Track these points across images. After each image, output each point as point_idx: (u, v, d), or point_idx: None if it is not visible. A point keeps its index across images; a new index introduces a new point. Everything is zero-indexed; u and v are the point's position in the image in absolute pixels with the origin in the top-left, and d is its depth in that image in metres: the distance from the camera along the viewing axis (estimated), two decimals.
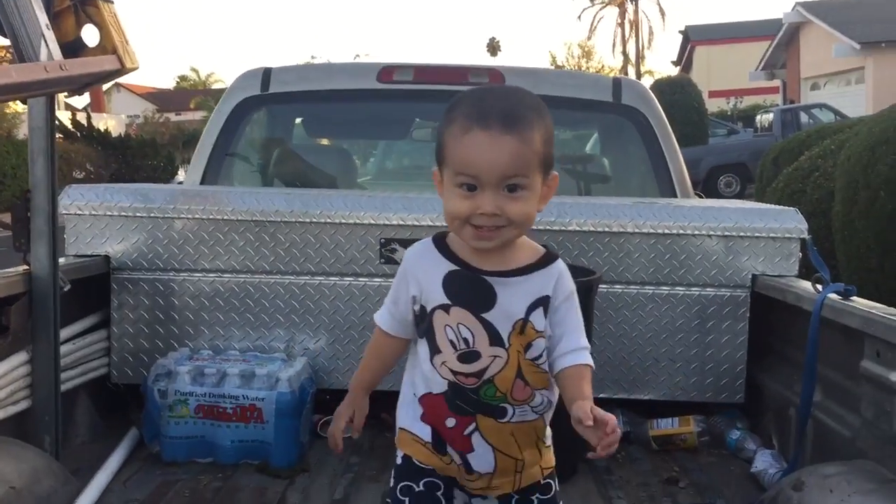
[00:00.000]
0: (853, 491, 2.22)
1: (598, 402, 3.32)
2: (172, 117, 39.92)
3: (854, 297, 2.67)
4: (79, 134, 22.21)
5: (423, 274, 1.69)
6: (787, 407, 3.02)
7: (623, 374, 3.31)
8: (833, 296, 2.67)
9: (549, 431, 1.79)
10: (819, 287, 2.77)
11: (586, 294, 2.86)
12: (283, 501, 2.64)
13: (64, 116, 24.00)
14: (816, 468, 2.45)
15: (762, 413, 3.25)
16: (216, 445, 2.92)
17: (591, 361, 1.72)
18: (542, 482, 1.76)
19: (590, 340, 3.05)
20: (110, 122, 28.97)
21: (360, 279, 3.30)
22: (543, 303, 1.67)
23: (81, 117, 23.29)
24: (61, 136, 21.88)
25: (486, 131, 1.50)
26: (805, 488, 2.36)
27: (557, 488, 1.80)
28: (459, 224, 1.57)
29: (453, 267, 1.66)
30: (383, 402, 3.55)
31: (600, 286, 3.07)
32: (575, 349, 1.70)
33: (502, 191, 1.53)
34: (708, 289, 3.29)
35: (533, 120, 1.55)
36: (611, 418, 1.57)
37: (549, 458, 1.77)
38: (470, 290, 1.65)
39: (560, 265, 1.70)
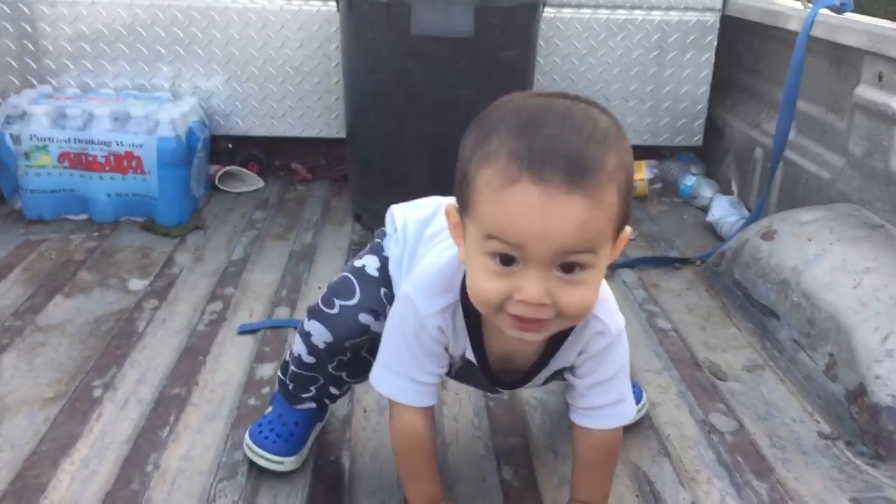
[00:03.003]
0: (836, 239, 1.90)
1: None
2: None
3: (849, 14, 2.23)
4: None
5: (452, 339, 1.17)
6: (752, 149, 2.66)
7: None
8: (825, 11, 2.22)
9: None
10: (806, 2, 2.31)
11: (528, 19, 2.36)
12: (171, 263, 2.24)
13: None
14: (790, 214, 2.12)
15: (721, 157, 2.90)
16: (90, 200, 2.45)
17: (620, 421, 1.22)
18: None
19: (532, 78, 2.66)
20: None
21: (257, 1, 2.71)
22: (562, 371, 1.23)
23: None
24: None
25: (542, 186, 0.90)
26: (777, 237, 2.03)
27: None
28: (491, 309, 1.00)
29: (471, 357, 1.17)
30: (294, 151, 3.12)
31: (546, 10, 2.56)
32: (599, 406, 1.20)
33: (555, 269, 0.95)
34: (671, 13, 2.80)
35: (611, 164, 0.94)
36: None
37: None
38: (478, 383, 1.28)
39: (596, 326, 1.15)
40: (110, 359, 1.74)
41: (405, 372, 1.16)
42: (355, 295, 1.29)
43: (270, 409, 1.49)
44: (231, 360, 1.76)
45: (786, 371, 1.79)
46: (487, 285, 0.97)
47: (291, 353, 1.40)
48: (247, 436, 1.45)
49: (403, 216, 1.32)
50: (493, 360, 1.18)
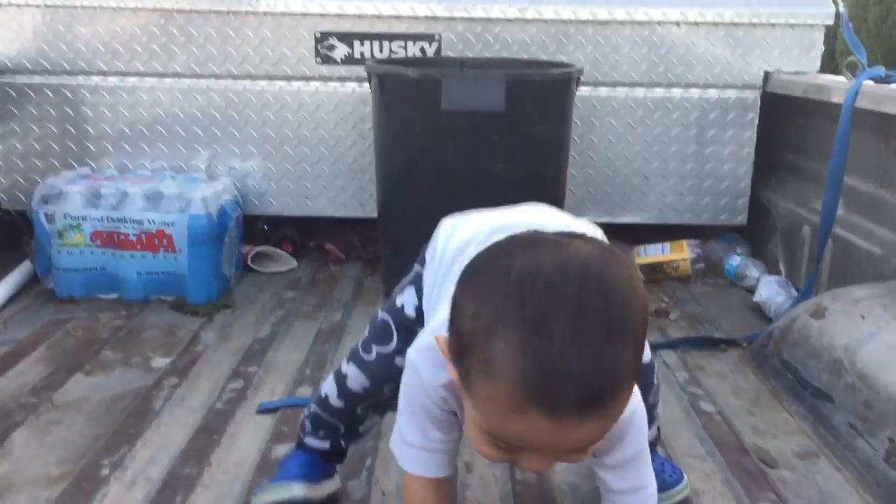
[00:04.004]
0: (891, 316, 1.77)
1: None
2: None
3: None
4: None
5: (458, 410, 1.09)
6: (800, 227, 2.56)
7: (607, 195, 2.83)
8: (870, 82, 2.15)
9: None
10: (850, 75, 2.24)
11: (562, 93, 2.32)
12: (196, 341, 2.19)
13: None
14: (841, 292, 2.00)
15: (767, 236, 2.79)
16: (120, 278, 2.44)
17: None
18: None
19: (567, 155, 2.62)
20: None
21: (293, 83, 2.74)
22: None
23: None
24: None
25: (553, 419, 0.80)
26: (828, 315, 1.91)
27: None
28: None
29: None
30: (328, 231, 3.09)
31: (581, 88, 2.53)
32: (620, 491, 1.11)
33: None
34: (710, 90, 2.75)
35: (628, 359, 0.82)
36: None
37: None
38: None
39: None
40: (122, 437, 1.68)
41: (413, 440, 1.08)
42: (392, 340, 1.28)
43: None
44: (247, 440, 1.68)
45: (842, 458, 1.64)
46: (488, 452, 0.90)
47: (318, 394, 1.39)
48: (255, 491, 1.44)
49: (445, 239, 1.23)
50: None
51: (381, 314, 1.33)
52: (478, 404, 0.85)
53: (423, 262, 1.30)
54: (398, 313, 1.30)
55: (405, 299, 1.30)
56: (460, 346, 0.86)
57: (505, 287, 0.82)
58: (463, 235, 1.20)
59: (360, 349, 1.32)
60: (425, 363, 1.05)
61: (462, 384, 0.88)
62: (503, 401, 0.81)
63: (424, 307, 1.26)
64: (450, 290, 1.13)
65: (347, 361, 1.33)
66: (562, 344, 0.78)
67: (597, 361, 0.79)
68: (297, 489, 1.37)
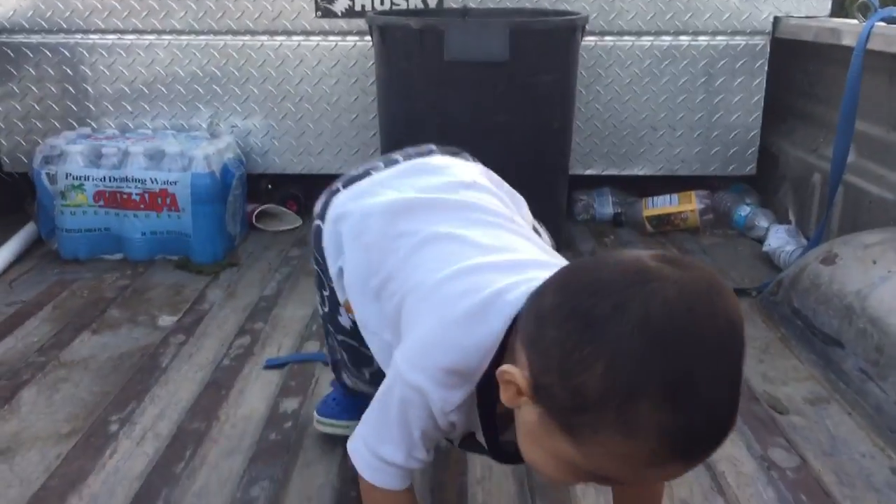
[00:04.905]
0: None
1: (585, 179, 2.89)
2: None
3: None
4: None
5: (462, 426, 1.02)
6: (810, 175, 2.52)
7: (613, 146, 2.79)
8: (882, 24, 2.10)
9: None
10: (861, 17, 2.19)
11: (566, 42, 2.28)
12: (202, 299, 2.18)
13: None
14: (852, 237, 1.98)
15: (776, 185, 2.76)
16: (124, 239, 2.42)
17: None
18: None
19: (573, 105, 2.57)
20: None
21: (294, 38, 2.70)
22: None
23: None
24: None
25: (690, 466, 0.81)
26: (839, 261, 1.89)
27: None
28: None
29: (481, 440, 1.03)
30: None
31: (587, 38, 2.49)
32: None
33: None
34: (718, 37, 2.70)
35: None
36: None
37: None
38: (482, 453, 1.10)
39: None
40: (130, 394, 1.67)
41: (394, 459, 0.99)
42: (372, 361, 1.20)
43: (332, 389, 1.52)
44: (255, 395, 1.68)
45: (853, 403, 1.63)
46: (568, 481, 0.88)
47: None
48: (315, 413, 1.50)
49: (359, 224, 1.15)
50: (503, 441, 1.03)
51: (338, 337, 1.28)
52: (595, 456, 0.80)
53: (324, 268, 1.21)
54: (355, 351, 1.25)
55: (343, 320, 1.24)
56: (577, 402, 0.78)
57: (639, 342, 0.75)
58: (377, 224, 1.12)
59: (354, 374, 1.32)
60: (438, 387, 0.93)
61: (562, 432, 0.81)
62: (640, 456, 0.77)
63: (358, 310, 1.15)
64: (411, 279, 1.03)
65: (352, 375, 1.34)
66: (708, 395, 0.75)
67: (734, 400, 0.77)
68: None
